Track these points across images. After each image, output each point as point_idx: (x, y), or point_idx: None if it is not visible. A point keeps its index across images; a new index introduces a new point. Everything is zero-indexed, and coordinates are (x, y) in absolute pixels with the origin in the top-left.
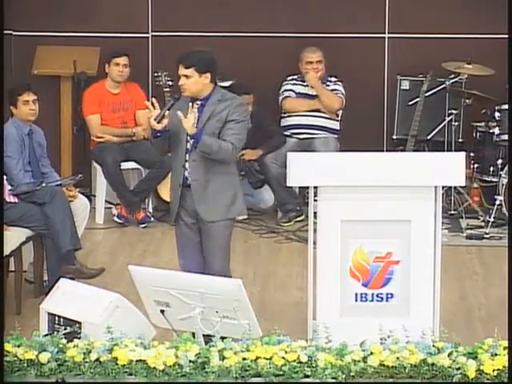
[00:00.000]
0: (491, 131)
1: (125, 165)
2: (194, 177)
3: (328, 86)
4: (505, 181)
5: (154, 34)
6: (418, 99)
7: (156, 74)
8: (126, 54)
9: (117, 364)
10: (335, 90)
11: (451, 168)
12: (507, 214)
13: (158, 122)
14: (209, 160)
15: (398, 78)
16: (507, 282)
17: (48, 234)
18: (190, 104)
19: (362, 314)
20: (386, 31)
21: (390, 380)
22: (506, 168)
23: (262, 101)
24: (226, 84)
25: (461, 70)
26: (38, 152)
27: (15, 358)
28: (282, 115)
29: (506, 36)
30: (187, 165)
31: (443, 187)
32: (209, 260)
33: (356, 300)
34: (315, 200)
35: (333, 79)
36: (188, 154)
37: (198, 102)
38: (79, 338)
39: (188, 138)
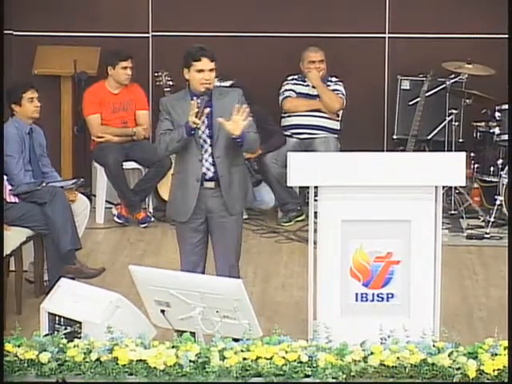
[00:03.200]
0: (491, 131)
1: (125, 165)
2: (220, 172)
3: (329, 86)
4: (505, 181)
5: (154, 34)
6: (418, 99)
7: (156, 74)
8: (131, 56)
9: (117, 364)
10: (336, 90)
11: (451, 168)
12: (507, 213)
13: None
14: (231, 154)
15: (399, 77)
16: (507, 282)
17: (48, 234)
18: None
19: (363, 314)
20: (387, 31)
21: (391, 380)
22: (507, 168)
23: (262, 101)
24: (227, 84)
25: (461, 70)
26: (38, 151)
27: (15, 358)
28: (283, 115)
29: (506, 36)
30: (206, 160)
31: (443, 187)
32: (225, 255)
33: (356, 300)
34: (315, 200)
35: (333, 79)
36: (208, 149)
37: (205, 97)
38: (79, 338)
39: (207, 133)
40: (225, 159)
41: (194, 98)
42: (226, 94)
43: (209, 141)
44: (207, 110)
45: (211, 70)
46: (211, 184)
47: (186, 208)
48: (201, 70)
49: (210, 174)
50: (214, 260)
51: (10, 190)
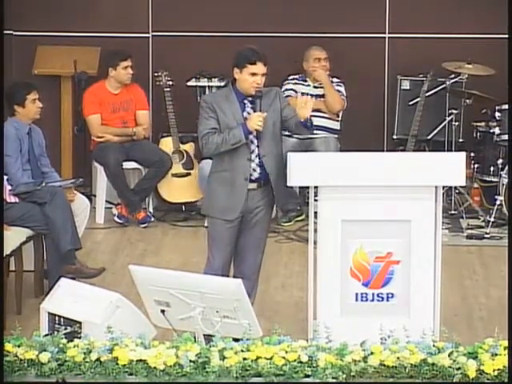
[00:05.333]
0: (491, 131)
1: (125, 165)
2: (268, 169)
3: None
4: (505, 181)
5: (154, 34)
6: (418, 99)
7: (156, 74)
8: (130, 55)
9: (117, 364)
10: (337, 91)
11: (451, 168)
12: (507, 213)
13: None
14: (274, 153)
15: (399, 77)
16: (507, 282)
17: (48, 234)
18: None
19: (363, 314)
20: (387, 31)
21: (391, 380)
22: (507, 168)
23: None
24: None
25: (461, 70)
26: (37, 151)
27: (15, 358)
28: None
29: (506, 36)
30: (252, 161)
31: (443, 187)
32: (255, 254)
33: (356, 300)
34: (315, 200)
35: (335, 80)
36: (255, 150)
37: (250, 98)
38: (79, 338)
39: (254, 133)
40: (271, 157)
41: (245, 100)
42: (267, 94)
43: (255, 141)
44: (265, 114)
45: (263, 75)
46: (254, 185)
47: (233, 206)
48: (254, 74)
49: (255, 175)
50: (238, 259)
51: (10, 190)
